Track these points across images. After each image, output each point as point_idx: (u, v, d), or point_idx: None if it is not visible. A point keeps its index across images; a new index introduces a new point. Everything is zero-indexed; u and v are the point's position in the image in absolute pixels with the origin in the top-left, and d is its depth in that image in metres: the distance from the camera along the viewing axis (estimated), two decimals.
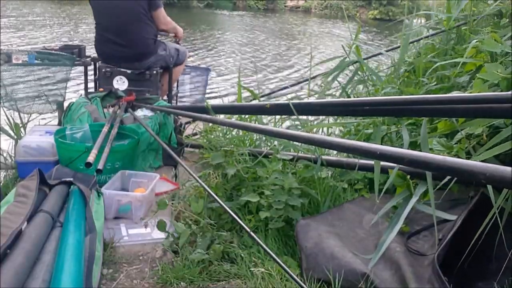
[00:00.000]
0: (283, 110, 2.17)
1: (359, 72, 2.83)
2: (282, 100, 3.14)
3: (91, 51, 3.19)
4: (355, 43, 2.74)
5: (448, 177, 1.72)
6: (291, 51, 12.28)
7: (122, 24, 2.89)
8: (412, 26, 3.16)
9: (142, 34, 2.92)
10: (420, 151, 1.49)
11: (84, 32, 11.63)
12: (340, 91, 2.91)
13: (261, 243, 1.56)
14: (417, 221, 1.82)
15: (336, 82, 2.83)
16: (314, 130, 2.58)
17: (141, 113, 2.72)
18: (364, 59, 3.00)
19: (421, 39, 3.10)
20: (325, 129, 2.86)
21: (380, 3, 28.46)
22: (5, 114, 2.73)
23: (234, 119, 2.62)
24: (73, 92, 4.49)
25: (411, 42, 3.13)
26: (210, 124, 2.62)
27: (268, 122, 2.75)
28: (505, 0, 2.70)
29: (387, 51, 3.32)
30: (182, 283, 1.66)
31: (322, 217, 1.90)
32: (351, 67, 2.85)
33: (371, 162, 1.99)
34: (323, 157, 2.13)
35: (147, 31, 2.94)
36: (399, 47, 3.08)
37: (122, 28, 2.89)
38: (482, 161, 1.62)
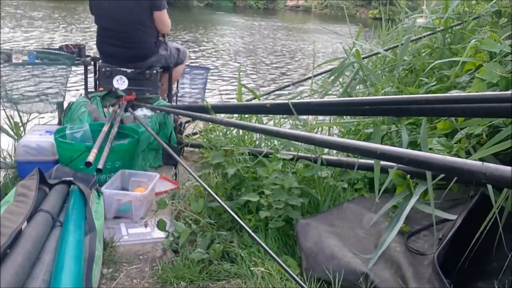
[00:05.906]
0: (283, 109, 2.17)
1: (359, 72, 2.83)
2: (282, 99, 3.14)
3: (91, 51, 3.19)
4: (356, 43, 2.74)
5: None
6: (292, 50, 12.27)
7: (122, 28, 2.87)
8: (410, 26, 3.16)
9: (142, 37, 2.90)
10: (420, 150, 1.49)
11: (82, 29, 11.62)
12: (339, 91, 2.90)
13: (261, 242, 1.56)
14: (417, 221, 1.81)
15: (336, 82, 2.83)
16: (314, 129, 2.58)
17: (141, 112, 2.72)
18: (364, 57, 3.00)
19: (418, 38, 3.10)
20: (325, 128, 2.86)
21: (379, 3, 28.46)
22: (5, 113, 2.73)
23: (234, 118, 2.62)
24: (73, 92, 4.49)
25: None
26: (210, 124, 2.62)
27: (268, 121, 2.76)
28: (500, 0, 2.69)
29: (385, 50, 3.32)
30: (182, 282, 1.66)
31: (322, 217, 1.90)
32: (351, 67, 2.85)
33: (371, 161, 1.99)
34: (323, 156, 2.12)
35: (148, 34, 2.92)
36: (397, 46, 3.08)
37: (122, 31, 2.87)
38: (482, 160, 1.62)
